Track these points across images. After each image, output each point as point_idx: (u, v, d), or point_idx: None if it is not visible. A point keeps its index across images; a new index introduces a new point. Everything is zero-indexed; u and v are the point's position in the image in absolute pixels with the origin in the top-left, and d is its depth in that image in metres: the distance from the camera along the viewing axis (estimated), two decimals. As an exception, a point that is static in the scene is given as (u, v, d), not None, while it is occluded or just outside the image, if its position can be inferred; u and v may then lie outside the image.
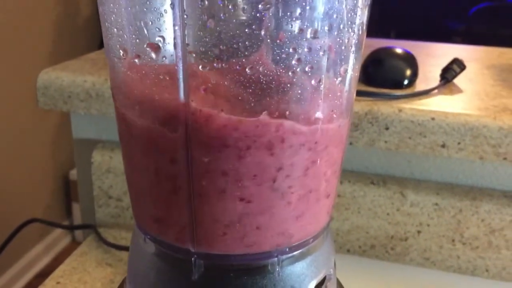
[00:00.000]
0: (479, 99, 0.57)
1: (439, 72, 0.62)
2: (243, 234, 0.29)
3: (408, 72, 0.61)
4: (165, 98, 0.27)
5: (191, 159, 0.28)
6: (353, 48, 0.30)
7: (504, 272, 0.57)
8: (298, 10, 0.26)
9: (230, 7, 0.25)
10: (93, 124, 0.65)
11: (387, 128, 0.53)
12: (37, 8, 1.70)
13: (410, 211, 0.57)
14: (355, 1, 0.28)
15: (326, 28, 0.27)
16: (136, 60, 0.28)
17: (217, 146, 0.27)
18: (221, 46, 0.26)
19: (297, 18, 0.26)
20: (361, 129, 0.54)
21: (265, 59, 0.26)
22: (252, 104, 0.27)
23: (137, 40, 0.28)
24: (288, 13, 0.26)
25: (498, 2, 2.21)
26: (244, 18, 0.25)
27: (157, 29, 0.26)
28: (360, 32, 0.30)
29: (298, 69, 0.27)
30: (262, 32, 0.26)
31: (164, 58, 0.27)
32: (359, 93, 0.56)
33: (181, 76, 0.26)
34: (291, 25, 0.26)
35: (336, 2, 0.27)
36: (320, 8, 0.27)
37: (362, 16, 0.29)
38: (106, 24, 0.29)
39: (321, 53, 0.27)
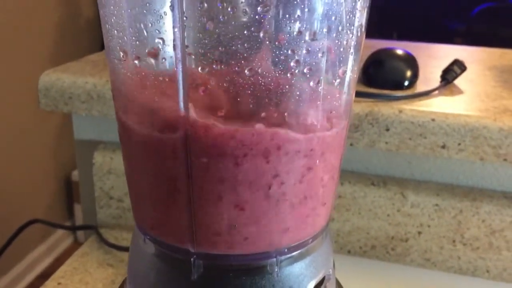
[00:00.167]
0: (479, 100, 0.57)
1: (439, 73, 0.62)
2: (242, 235, 0.30)
3: (409, 73, 0.61)
4: (164, 105, 0.27)
5: (190, 164, 0.28)
6: (352, 50, 0.30)
7: (505, 273, 0.57)
8: (297, 12, 0.26)
9: (229, 9, 0.25)
10: (94, 125, 0.66)
11: (387, 129, 0.53)
12: (39, 10, 1.70)
13: (410, 212, 0.57)
14: (354, 3, 0.28)
15: (325, 30, 0.27)
16: (136, 62, 0.28)
17: (215, 154, 0.27)
18: (220, 48, 0.26)
19: (296, 20, 0.26)
20: (362, 130, 0.54)
21: (264, 61, 0.26)
22: (251, 106, 0.27)
23: (137, 42, 0.28)
24: (287, 15, 0.26)
25: (499, 3, 2.21)
26: (243, 20, 0.26)
27: (156, 31, 0.27)
28: (359, 34, 0.30)
29: (297, 71, 0.27)
30: (261, 34, 0.26)
31: (163, 60, 0.27)
32: (360, 94, 0.56)
33: (180, 77, 0.26)
34: (290, 27, 0.26)
35: (335, 4, 0.27)
36: (319, 10, 0.27)
37: (361, 18, 0.29)
38: (107, 26, 0.30)
39: (320, 54, 0.28)
